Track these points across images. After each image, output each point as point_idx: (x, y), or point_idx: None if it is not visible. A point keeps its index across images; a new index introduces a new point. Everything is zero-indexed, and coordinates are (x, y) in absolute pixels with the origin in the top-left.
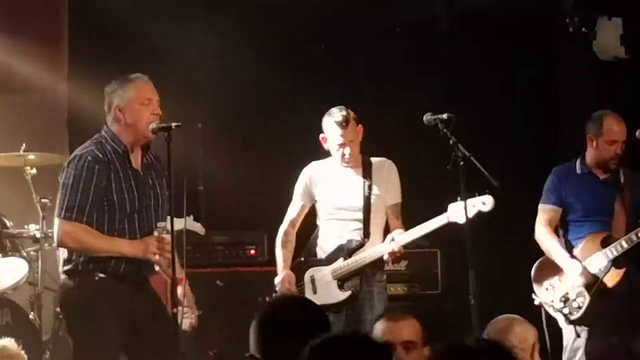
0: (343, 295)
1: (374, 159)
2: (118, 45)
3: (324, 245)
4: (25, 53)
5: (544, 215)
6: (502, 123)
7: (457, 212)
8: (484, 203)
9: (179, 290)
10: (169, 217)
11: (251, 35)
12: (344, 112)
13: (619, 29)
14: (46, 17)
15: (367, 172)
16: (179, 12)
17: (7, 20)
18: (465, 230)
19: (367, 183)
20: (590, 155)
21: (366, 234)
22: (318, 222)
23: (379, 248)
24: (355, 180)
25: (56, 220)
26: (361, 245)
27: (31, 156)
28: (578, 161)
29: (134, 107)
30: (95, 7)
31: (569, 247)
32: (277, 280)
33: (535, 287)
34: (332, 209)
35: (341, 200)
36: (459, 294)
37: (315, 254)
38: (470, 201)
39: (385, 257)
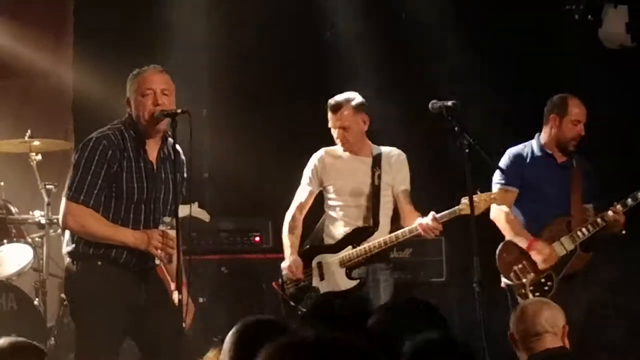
0: (351, 283)
1: (384, 148)
2: (123, 31)
3: (332, 232)
4: (30, 39)
5: (505, 195)
6: (507, 111)
7: (469, 206)
8: (496, 198)
9: (176, 295)
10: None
11: (257, 21)
12: (340, 98)
13: (625, 16)
14: (51, 3)
15: (376, 160)
16: (184, 0)
17: (12, 5)
18: (470, 217)
19: (376, 172)
20: (550, 135)
21: (375, 222)
22: (326, 209)
23: (411, 227)
24: (364, 169)
25: (63, 200)
26: (371, 234)
27: (36, 142)
28: (534, 142)
29: (137, 99)
30: None
31: (533, 231)
32: (284, 265)
33: (501, 270)
34: (340, 197)
35: (350, 187)
36: (464, 282)
37: (322, 241)
38: (482, 195)
39: (425, 227)
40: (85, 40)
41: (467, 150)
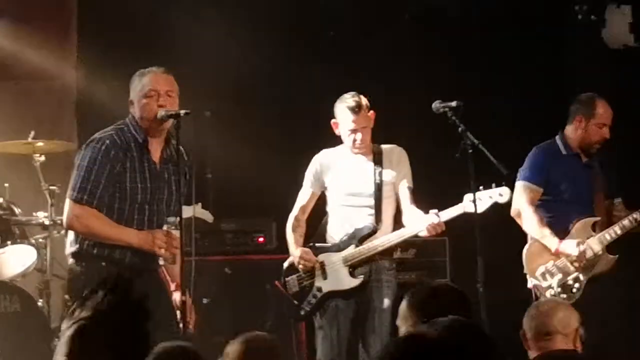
0: (354, 282)
1: (384, 146)
2: (127, 32)
3: (334, 232)
4: (34, 40)
5: (529, 193)
6: (510, 111)
7: (472, 203)
8: (500, 195)
9: (177, 295)
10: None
11: (260, 22)
12: (357, 98)
13: (628, 16)
14: (55, 4)
15: (377, 158)
16: (189, 1)
17: (16, 7)
18: (474, 218)
19: (377, 170)
20: (574, 136)
21: (378, 220)
22: (328, 209)
23: (417, 224)
24: (366, 167)
25: (67, 201)
26: (374, 232)
27: (40, 143)
28: (559, 141)
29: (140, 100)
30: None
31: (558, 231)
32: (286, 263)
33: (528, 271)
34: (342, 196)
35: (352, 187)
36: (468, 283)
37: (324, 241)
38: (486, 192)
39: (424, 232)
40: (89, 41)
41: (470, 151)
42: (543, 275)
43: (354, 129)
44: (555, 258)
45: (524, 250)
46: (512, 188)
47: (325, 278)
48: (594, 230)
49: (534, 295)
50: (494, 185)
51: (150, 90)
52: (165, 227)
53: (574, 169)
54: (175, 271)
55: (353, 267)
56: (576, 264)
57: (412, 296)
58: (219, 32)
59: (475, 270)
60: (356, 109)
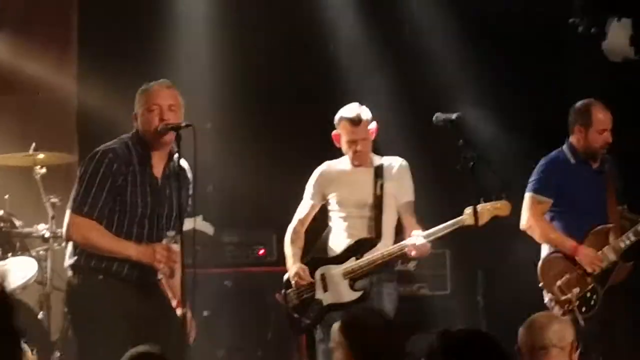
0: (354, 295)
1: (385, 158)
2: (127, 44)
3: (335, 244)
4: (34, 53)
5: (537, 205)
6: (511, 124)
7: (472, 216)
8: (500, 208)
9: (179, 310)
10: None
11: (261, 35)
12: (357, 110)
13: (628, 29)
14: (56, 17)
15: (379, 171)
16: (189, 14)
17: (17, 20)
18: (474, 231)
19: (379, 182)
20: (579, 145)
21: (378, 233)
22: (329, 222)
23: (403, 242)
24: (367, 179)
25: (67, 212)
26: (374, 245)
27: (40, 156)
28: (567, 150)
29: (143, 114)
30: (105, 7)
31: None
32: (287, 276)
33: (544, 285)
34: (343, 208)
35: (353, 199)
36: (468, 295)
37: (325, 253)
38: (486, 205)
39: (414, 253)
40: (90, 54)
41: (471, 163)
42: (560, 289)
43: (354, 140)
44: (570, 271)
45: (539, 265)
46: (512, 200)
47: (325, 291)
48: (608, 239)
49: (553, 310)
50: (494, 197)
51: (152, 104)
52: (164, 241)
53: (585, 177)
54: (175, 286)
55: (353, 280)
56: (596, 265)
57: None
58: (219, 45)
59: (475, 282)
60: (356, 121)
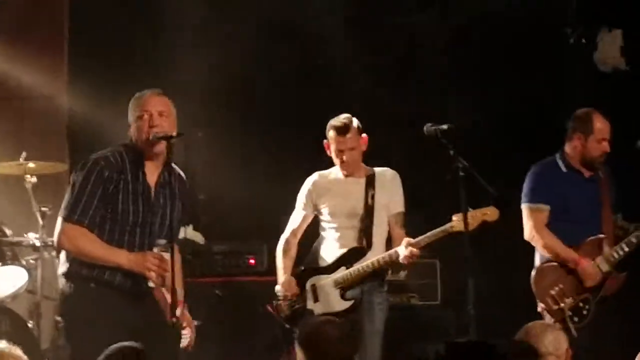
0: (345, 304)
1: (377, 169)
2: (118, 53)
3: (326, 254)
4: (25, 61)
5: (536, 215)
6: (503, 134)
7: (461, 222)
8: (487, 213)
9: (177, 311)
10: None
11: (252, 46)
12: (346, 120)
13: (619, 40)
14: (46, 26)
15: (370, 181)
16: (180, 22)
17: (8, 28)
18: (464, 240)
19: (370, 192)
20: (575, 153)
21: (369, 243)
22: (321, 231)
23: (393, 251)
24: (358, 190)
25: (58, 220)
26: (364, 254)
27: (31, 164)
28: (559, 159)
29: (135, 123)
30: (96, 16)
31: None
32: (277, 287)
33: (538, 295)
34: (334, 218)
35: (344, 209)
36: (458, 305)
37: (317, 263)
38: (474, 212)
39: (402, 258)
40: (81, 62)
41: (461, 174)
42: (553, 298)
43: (341, 149)
44: (564, 281)
45: (532, 274)
46: (501, 209)
47: (316, 301)
48: (602, 249)
49: (545, 319)
50: (482, 205)
51: (143, 111)
52: (155, 250)
53: (577, 186)
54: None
55: (344, 290)
56: (594, 280)
57: None
58: (211, 55)
59: (466, 292)
60: (343, 130)
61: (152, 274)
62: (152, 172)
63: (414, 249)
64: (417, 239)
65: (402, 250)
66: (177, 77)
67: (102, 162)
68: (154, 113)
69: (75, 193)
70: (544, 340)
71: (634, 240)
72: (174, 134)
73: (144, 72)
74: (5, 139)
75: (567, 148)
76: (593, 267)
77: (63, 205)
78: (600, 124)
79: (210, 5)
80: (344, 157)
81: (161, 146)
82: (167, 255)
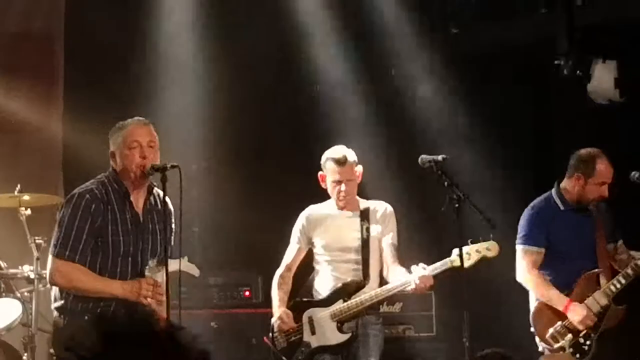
0: (343, 337)
1: (371, 202)
2: (113, 84)
3: (321, 287)
4: (20, 93)
5: (530, 257)
6: (497, 166)
7: (460, 257)
8: (488, 249)
9: None
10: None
11: (245, 76)
12: (344, 151)
13: (613, 72)
14: (41, 57)
15: (364, 214)
16: (173, 55)
17: (2, 59)
18: (460, 272)
19: (364, 225)
20: (573, 192)
21: (365, 275)
22: (315, 265)
23: (405, 278)
24: (352, 223)
25: (50, 258)
26: (361, 287)
27: (26, 197)
28: (556, 196)
29: (123, 152)
30: (90, 48)
31: (562, 288)
32: (273, 320)
33: (538, 334)
34: (329, 252)
35: (339, 242)
36: (454, 336)
37: (312, 297)
38: (474, 246)
39: (413, 287)
40: (76, 93)
41: (456, 205)
42: (553, 337)
43: (339, 180)
44: (563, 318)
45: (531, 313)
46: (498, 241)
47: (313, 333)
48: (599, 283)
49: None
50: (481, 239)
51: (133, 142)
52: (147, 271)
53: (574, 223)
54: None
55: (341, 322)
56: (586, 323)
57: None
58: (204, 86)
59: (461, 324)
60: (342, 161)
61: (148, 300)
62: (138, 199)
63: (427, 276)
64: (430, 267)
65: (417, 274)
66: (172, 109)
67: (88, 195)
68: (144, 143)
69: (64, 229)
70: None
71: (630, 272)
72: (169, 165)
73: (138, 104)
74: None
75: (566, 184)
76: (582, 309)
77: (53, 242)
78: (603, 167)
79: (204, 36)
80: (342, 188)
81: (148, 176)
82: (160, 276)
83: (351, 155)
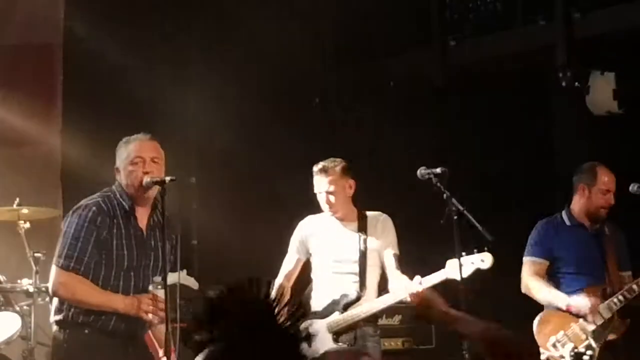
0: (338, 349)
1: (369, 213)
2: (112, 98)
3: (319, 299)
4: (19, 107)
5: (532, 267)
6: (497, 178)
7: (455, 268)
8: (482, 260)
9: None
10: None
11: (244, 89)
12: (326, 162)
13: (612, 83)
14: (40, 71)
15: (362, 225)
16: (172, 68)
17: (1, 74)
18: (457, 284)
19: (362, 237)
20: (580, 205)
21: (362, 287)
22: (312, 276)
23: (402, 290)
24: (350, 234)
25: (53, 268)
26: (358, 299)
27: (25, 210)
28: (564, 214)
29: (127, 167)
30: (89, 62)
31: None
32: None
33: (540, 342)
34: (327, 263)
35: (337, 253)
36: (453, 348)
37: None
38: (468, 258)
39: (408, 298)
40: (75, 108)
41: (455, 217)
42: (554, 345)
43: (318, 191)
44: (566, 327)
45: (535, 323)
46: (496, 254)
47: (309, 345)
48: (605, 297)
49: None
50: (475, 251)
51: (136, 157)
52: (151, 287)
53: (580, 239)
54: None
55: (337, 334)
56: (592, 311)
57: None
58: (203, 99)
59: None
60: (320, 172)
61: (149, 316)
62: (142, 215)
63: (423, 289)
64: (424, 279)
65: (414, 286)
66: (170, 122)
67: (94, 207)
68: (147, 159)
69: (69, 241)
70: None
71: (635, 288)
72: (168, 179)
73: (137, 117)
74: None
75: (574, 202)
76: (584, 297)
77: (57, 253)
78: (605, 176)
79: (202, 55)
80: (321, 198)
81: (153, 191)
82: (161, 293)
83: (334, 167)
